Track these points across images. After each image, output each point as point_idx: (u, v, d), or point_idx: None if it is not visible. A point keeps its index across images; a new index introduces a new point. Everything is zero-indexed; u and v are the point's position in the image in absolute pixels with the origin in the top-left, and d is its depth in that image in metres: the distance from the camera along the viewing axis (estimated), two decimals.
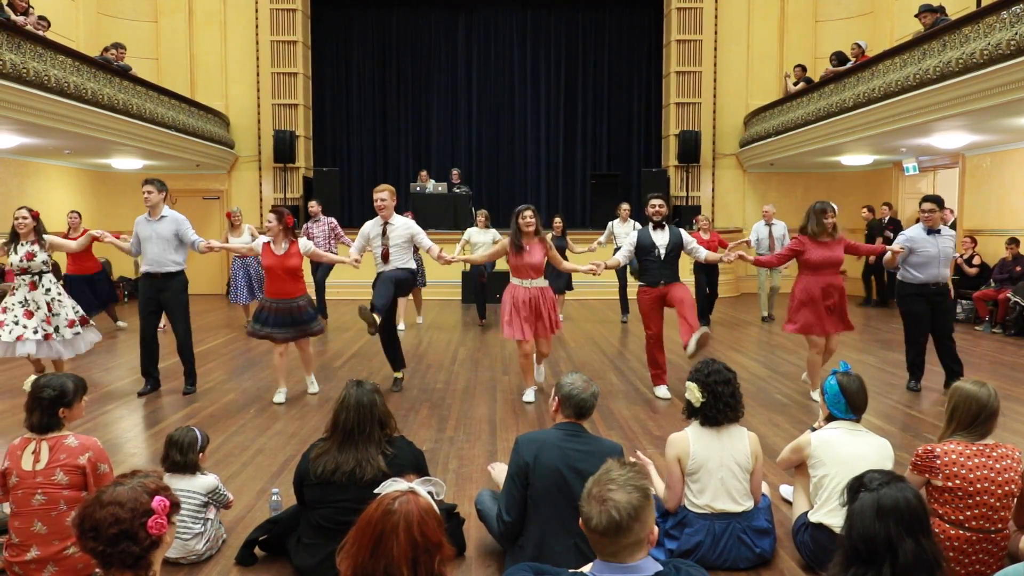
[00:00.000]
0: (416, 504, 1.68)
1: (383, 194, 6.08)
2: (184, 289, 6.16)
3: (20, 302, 5.93)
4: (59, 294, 6.11)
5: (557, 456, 2.90)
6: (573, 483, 2.83)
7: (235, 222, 9.78)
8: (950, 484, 2.87)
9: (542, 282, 5.99)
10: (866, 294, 12.96)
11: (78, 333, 6.13)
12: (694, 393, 3.22)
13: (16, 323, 5.87)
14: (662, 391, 6.12)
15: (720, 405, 3.20)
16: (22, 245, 5.96)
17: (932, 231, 6.00)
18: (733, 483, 3.17)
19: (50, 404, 3.01)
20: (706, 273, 10.05)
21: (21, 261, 5.93)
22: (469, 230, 9.82)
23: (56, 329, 5.98)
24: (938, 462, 2.90)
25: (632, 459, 2.02)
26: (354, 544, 1.67)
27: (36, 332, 5.88)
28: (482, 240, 9.53)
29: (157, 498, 1.82)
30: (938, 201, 6.03)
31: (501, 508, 3.03)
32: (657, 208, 6.03)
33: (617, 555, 1.83)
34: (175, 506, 1.88)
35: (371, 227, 6.18)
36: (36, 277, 5.99)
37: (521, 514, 2.96)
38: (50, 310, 6.00)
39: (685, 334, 5.73)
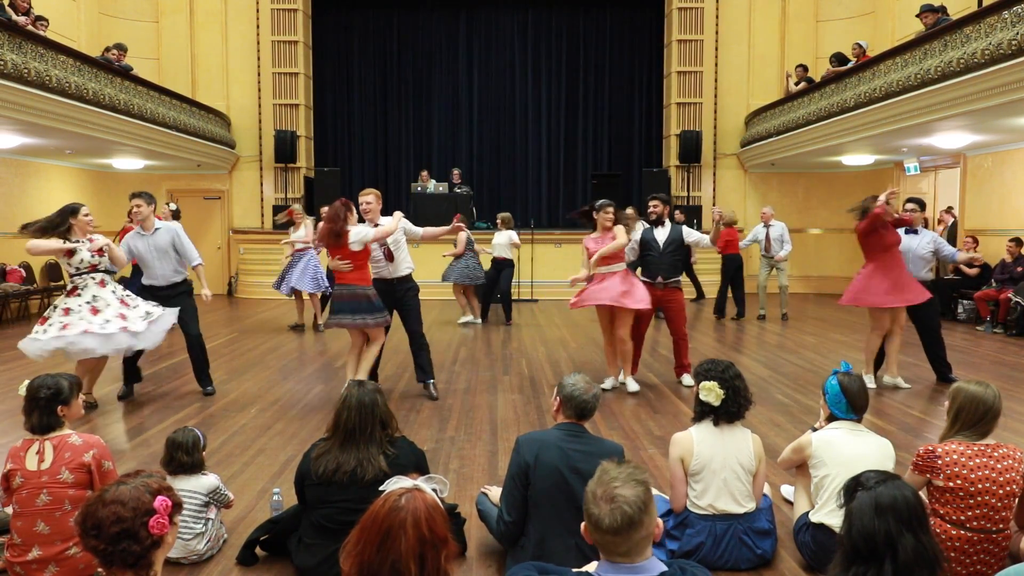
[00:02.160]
0: (423, 500, 1.69)
1: (368, 198, 6.01)
2: (190, 293, 6.14)
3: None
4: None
5: (558, 456, 2.90)
6: (574, 484, 2.83)
7: (296, 220, 9.81)
8: (951, 484, 2.87)
9: (620, 266, 6.14)
10: None
11: None
12: (714, 391, 3.16)
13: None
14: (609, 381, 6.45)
15: (740, 400, 3.20)
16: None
17: (910, 231, 6.36)
18: (736, 484, 3.17)
19: (47, 403, 3.01)
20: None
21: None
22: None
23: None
24: (939, 462, 2.90)
25: (632, 460, 2.02)
26: (359, 541, 1.68)
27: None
28: (498, 241, 10.24)
29: (159, 498, 1.83)
30: (919, 202, 6.47)
31: (502, 509, 3.04)
32: (652, 208, 6.50)
33: (629, 553, 1.83)
34: (177, 506, 1.88)
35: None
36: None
37: (522, 515, 2.96)
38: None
39: (677, 369, 6.59)
